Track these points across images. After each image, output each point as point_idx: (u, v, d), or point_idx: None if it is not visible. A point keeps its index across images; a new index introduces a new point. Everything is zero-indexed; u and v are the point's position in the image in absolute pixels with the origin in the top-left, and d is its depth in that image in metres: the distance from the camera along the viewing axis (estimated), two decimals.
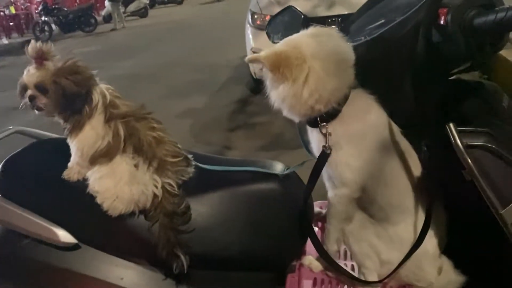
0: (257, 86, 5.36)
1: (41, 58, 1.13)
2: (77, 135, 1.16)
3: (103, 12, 16.99)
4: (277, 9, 4.78)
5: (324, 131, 1.13)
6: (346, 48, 1.12)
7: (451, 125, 0.97)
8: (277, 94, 1.13)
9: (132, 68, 7.51)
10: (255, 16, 4.96)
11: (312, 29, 1.15)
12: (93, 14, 15.88)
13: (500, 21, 0.87)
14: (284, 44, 1.13)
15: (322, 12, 4.19)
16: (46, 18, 14.69)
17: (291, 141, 3.97)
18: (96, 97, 1.15)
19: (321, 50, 1.08)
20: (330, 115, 1.13)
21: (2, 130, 1.44)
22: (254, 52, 4.27)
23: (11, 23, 15.47)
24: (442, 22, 0.99)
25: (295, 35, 1.16)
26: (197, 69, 7.19)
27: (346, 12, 3.96)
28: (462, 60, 1.07)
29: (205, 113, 5.01)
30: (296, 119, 1.19)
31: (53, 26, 14.88)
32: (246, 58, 1.15)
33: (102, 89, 1.18)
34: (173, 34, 11.28)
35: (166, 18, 15.63)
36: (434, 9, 1.01)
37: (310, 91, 1.07)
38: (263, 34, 5.04)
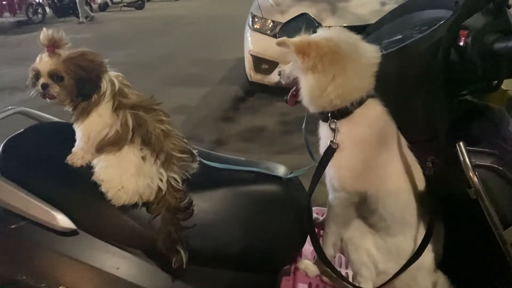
0: (252, 88, 5.38)
1: (53, 46, 1.13)
2: (83, 121, 1.16)
3: (99, 0, 16.80)
4: (278, 15, 4.86)
5: (332, 126, 1.16)
6: (373, 54, 1.15)
7: (461, 143, 0.99)
8: (305, 81, 1.16)
9: (124, 59, 7.42)
10: (256, 19, 4.98)
11: (340, 29, 1.19)
12: (89, 1, 15.67)
13: None
14: (321, 35, 1.16)
15: (327, 22, 4.24)
16: (40, 0, 14.46)
17: (282, 145, 3.99)
18: (105, 84, 1.15)
19: (354, 50, 1.13)
20: (342, 114, 1.16)
21: (4, 109, 1.42)
22: (251, 55, 4.25)
23: (4, 2, 15.16)
24: (462, 43, 1.01)
25: (327, 31, 1.19)
26: (193, 65, 7.16)
27: (345, 25, 4.02)
28: (476, 81, 1.10)
29: (198, 111, 4.99)
30: (312, 110, 1.21)
31: (47, 9, 14.65)
32: (277, 41, 1.17)
33: (111, 77, 1.18)
34: (168, 28, 11.19)
35: (162, 12, 15.51)
36: (455, 30, 1.04)
37: (335, 86, 1.12)
38: (262, 37, 5.08)
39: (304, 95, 1.18)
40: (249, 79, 5.04)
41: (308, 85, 1.15)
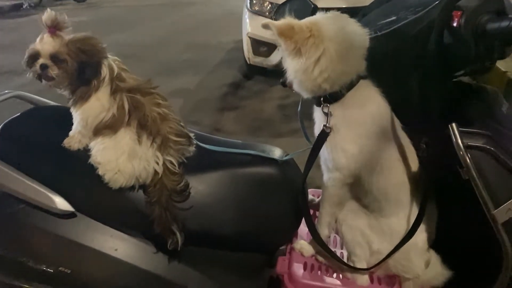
0: (250, 71, 5.35)
1: (55, 28, 1.13)
2: (81, 106, 1.17)
3: None
4: None
5: (325, 110, 1.17)
6: (362, 37, 1.15)
7: (453, 125, 1.00)
8: (290, 66, 1.17)
9: (123, 42, 7.36)
10: (254, 1, 4.93)
11: (333, 13, 1.18)
12: None
13: None
14: (306, 20, 1.16)
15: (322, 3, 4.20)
16: None
17: (279, 128, 4.00)
18: (105, 70, 1.16)
19: (338, 34, 1.12)
20: (333, 97, 1.17)
21: (0, 93, 1.42)
22: (250, 38, 4.20)
23: None
24: (455, 24, 1.02)
25: (316, 16, 1.19)
26: (190, 49, 7.11)
27: (344, 6, 4.00)
28: (469, 62, 1.10)
29: (196, 94, 4.98)
30: (304, 95, 1.22)
31: None
32: (263, 22, 1.16)
33: (110, 62, 1.18)
34: (167, 11, 11.10)
35: None
36: (448, 11, 1.04)
37: (320, 70, 1.12)
38: (261, 19, 5.03)
39: (291, 79, 1.19)
40: (248, 62, 5.00)
41: (293, 69, 1.16)
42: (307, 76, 1.14)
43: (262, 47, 4.76)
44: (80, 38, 1.15)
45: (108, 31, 8.20)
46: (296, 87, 1.21)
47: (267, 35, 4.52)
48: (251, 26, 4.86)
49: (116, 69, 1.17)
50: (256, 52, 4.85)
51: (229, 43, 7.09)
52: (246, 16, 5.01)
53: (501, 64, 4.18)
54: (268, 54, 4.73)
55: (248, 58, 4.94)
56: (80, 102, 1.17)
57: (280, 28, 1.13)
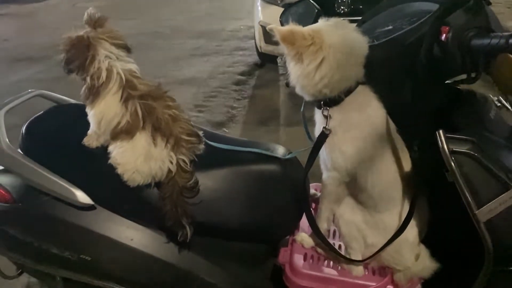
0: (262, 59, 5.39)
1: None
2: (93, 107, 1.26)
3: None
4: None
5: (325, 113, 1.25)
6: (361, 45, 1.22)
7: (440, 131, 1.08)
8: (292, 70, 1.24)
9: (136, 29, 7.44)
10: None
11: (335, 20, 1.25)
12: None
13: (494, 45, 0.97)
14: (309, 27, 1.23)
15: None
16: None
17: (289, 116, 4.06)
18: (114, 74, 1.24)
19: (340, 42, 1.19)
20: (333, 101, 1.25)
21: (24, 93, 1.52)
22: (261, 26, 4.22)
23: None
24: (443, 38, 1.09)
25: (319, 23, 1.26)
26: (202, 37, 7.16)
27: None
28: (456, 74, 1.18)
29: (209, 83, 5.06)
30: (306, 98, 1.30)
31: None
32: (268, 27, 1.24)
33: (119, 70, 1.24)
34: None
35: None
36: (437, 26, 1.11)
37: (321, 76, 1.19)
38: (272, 8, 5.02)
39: (294, 84, 1.26)
40: (259, 50, 5.01)
41: (295, 73, 1.23)
42: (308, 81, 1.21)
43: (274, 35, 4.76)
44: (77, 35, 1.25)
45: (121, 16, 8.25)
46: (298, 90, 1.28)
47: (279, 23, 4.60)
48: (263, 14, 4.85)
49: (124, 78, 1.24)
50: (267, 40, 4.83)
51: (242, 30, 7.11)
52: (258, 3, 5.01)
53: None
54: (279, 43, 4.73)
55: (260, 47, 4.94)
56: (90, 103, 1.26)
57: (283, 34, 1.20)
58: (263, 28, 4.82)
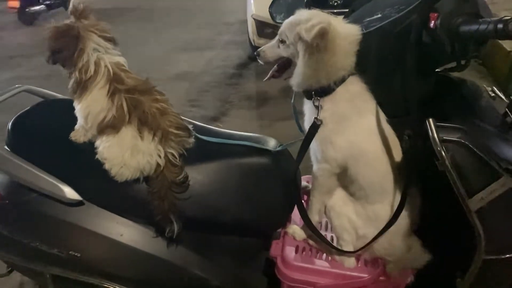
0: (255, 53, 5.34)
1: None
2: (80, 101, 1.24)
3: None
4: None
5: (316, 103, 1.24)
6: (356, 34, 1.22)
7: (430, 120, 1.07)
8: (302, 61, 1.21)
9: (127, 24, 7.39)
10: None
11: (321, 12, 1.24)
12: None
13: (482, 31, 0.96)
14: (319, 17, 1.20)
15: None
16: None
17: (283, 110, 4.04)
18: (102, 68, 1.22)
19: (344, 32, 1.20)
20: (324, 91, 1.24)
21: (11, 88, 1.50)
22: (254, 19, 4.19)
23: None
24: (432, 25, 1.07)
25: (324, 14, 1.24)
26: (196, 30, 7.13)
27: None
28: (445, 61, 1.17)
29: (202, 77, 5.03)
30: (298, 88, 1.29)
31: None
32: (313, 34, 1.17)
33: (107, 63, 1.23)
34: None
35: None
36: (425, 13, 1.09)
37: (329, 65, 1.19)
38: (265, 1, 4.96)
39: (298, 75, 1.25)
40: (253, 44, 4.99)
41: (306, 65, 1.21)
42: (314, 71, 1.21)
43: (267, 28, 4.72)
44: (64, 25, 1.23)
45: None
46: (296, 81, 1.27)
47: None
48: (256, 7, 4.83)
49: (112, 71, 1.22)
50: (261, 33, 4.82)
51: (235, 23, 7.08)
52: None
53: (506, 44, 4.14)
54: (273, 36, 4.68)
55: (253, 40, 4.93)
56: (77, 97, 1.24)
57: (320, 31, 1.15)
58: (256, 21, 4.80)
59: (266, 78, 1.41)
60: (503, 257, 1.15)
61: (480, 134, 1.13)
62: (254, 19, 4.81)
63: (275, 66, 1.37)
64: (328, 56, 1.18)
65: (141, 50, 5.90)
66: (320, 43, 1.15)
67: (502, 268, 1.19)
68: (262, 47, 1.36)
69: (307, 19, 1.20)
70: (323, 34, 1.15)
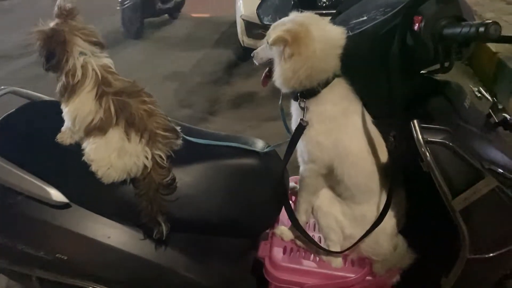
0: (245, 54, 5.34)
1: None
2: (67, 104, 1.24)
3: None
4: None
5: (302, 105, 1.26)
6: (339, 37, 1.24)
7: (415, 121, 1.09)
8: (280, 65, 1.24)
9: (116, 24, 7.34)
10: None
11: (313, 14, 1.27)
12: None
13: (465, 34, 0.98)
14: (293, 22, 1.24)
15: None
16: None
17: (272, 111, 4.04)
18: (90, 71, 1.22)
19: (323, 34, 1.21)
20: (310, 93, 1.26)
21: None
22: (243, 20, 4.19)
23: None
24: (416, 28, 1.09)
25: (302, 15, 1.27)
26: (185, 29, 7.10)
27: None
28: (429, 63, 1.18)
29: (191, 77, 5.01)
30: (284, 90, 1.31)
31: None
32: (271, 40, 1.23)
33: (94, 67, 1.23)
34: None
35: None
36: (409, 16, 1.11)
37: (305, 68, 1.20)
38: (254, 2, 4.96)
39: (278, 77, 1.26)
40: (242, 44, 4.97)
41: (284, 68, 1.23)
42: (294, 74, 1.22)
43: (256, 29, 4.72)
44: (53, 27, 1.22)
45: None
46: (278, 83, 1.28)
47: None
48: (245, 8, 4.79)
49: (100, 74, 1.23)
50: (250, 34, 4.80)
51: (224, 23, 7.06)
52: None
53: (492, 45, 4.19)
54: (262, 36, 4.69)
55: (242, 41, 4.91)
56: (64, 100, 1.24)
57: (282, 37, 1.20)
58: (245, 21, 4.78)
59: (261, 79, 1.43)
60: (486, 256, 1.17)
61: (464, 135, 1.15)
62: (243, 19, 4.79)
63: (268, 68, 1.38)
64: (304, 60, 1.20)
65: (130, 51, 5.88)
66: (286, 48, 1.18)
67: (486, 267, 1.21)
68: (257, 49, 1.37)
69: (283, 23, 1.22)
70: (285, 41, 1.18)
